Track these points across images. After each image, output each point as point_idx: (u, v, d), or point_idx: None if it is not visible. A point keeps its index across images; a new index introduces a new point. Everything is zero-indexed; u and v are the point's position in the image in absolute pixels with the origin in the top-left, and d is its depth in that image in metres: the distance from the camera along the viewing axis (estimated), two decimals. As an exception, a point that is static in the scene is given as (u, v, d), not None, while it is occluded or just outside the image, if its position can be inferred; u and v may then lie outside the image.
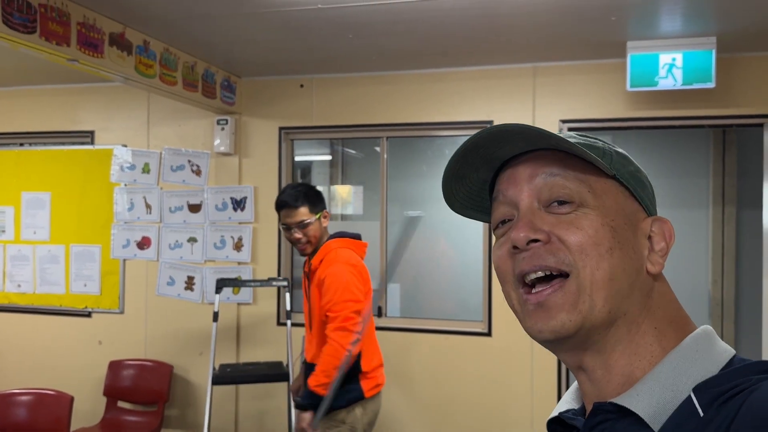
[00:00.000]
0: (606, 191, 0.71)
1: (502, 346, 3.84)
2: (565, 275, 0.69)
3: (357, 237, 2.93)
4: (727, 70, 3.54)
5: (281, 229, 2.90)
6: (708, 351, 0.68)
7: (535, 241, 0.70)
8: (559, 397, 3.79)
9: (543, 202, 0.71)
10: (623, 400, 0.66)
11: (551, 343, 0.71)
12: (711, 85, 3.36)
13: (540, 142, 0.71)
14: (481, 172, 0.78)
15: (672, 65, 3.40)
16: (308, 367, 2.81)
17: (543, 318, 0.69)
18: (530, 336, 0.72)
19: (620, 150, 0.75)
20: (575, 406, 0.77)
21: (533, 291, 0.70)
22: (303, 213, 2.79)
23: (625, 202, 0.72)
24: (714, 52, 3.33)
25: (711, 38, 3.33)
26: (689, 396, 0.64)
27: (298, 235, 2.80)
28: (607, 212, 0.69)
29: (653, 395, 0.65)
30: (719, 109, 3.62)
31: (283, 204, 2.82)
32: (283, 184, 4.24)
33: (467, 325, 3.96)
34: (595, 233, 0.68)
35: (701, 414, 0.62)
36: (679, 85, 3.41)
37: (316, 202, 2.85)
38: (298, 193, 2.83)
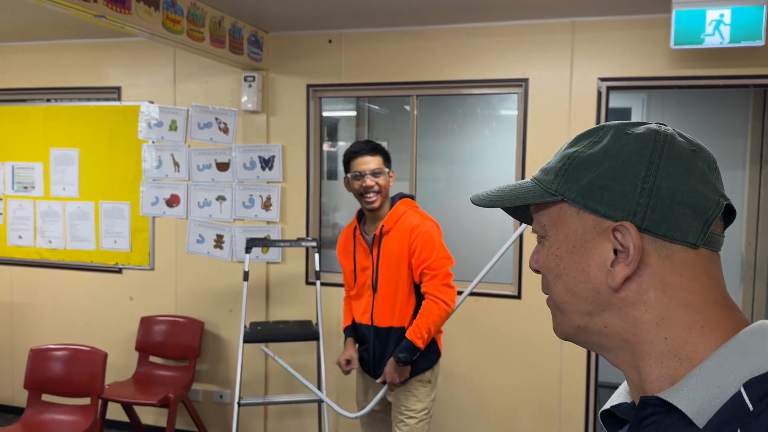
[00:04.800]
0: (559, 218, 0.75)
1: (532, 309, 3.82)
2: None
3: (413, 197, 2.95)
4: (776, 27, 3.37)
5: (349, 180, 2.82)
6: (760, 347, 0.66)
7: (537, 271, 0.82)
8: (588, 363, 3.79)
9: None
10: (668, 395, 0.66)
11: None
12: (760, 42, 3.20)
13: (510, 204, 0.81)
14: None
15: (720, 21, 3.25)
16: (379, 332, 2.82)
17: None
18: None
19: (586, 153, 0.73)
20: (628, 400, 0.78)
21: None
22: (378, 161, 2.79)
23: (578, 223, 0.73)
24: (765, 7, 3.16)
25: (763, -8, 3.16)
26: (739, 391, 0.63)
27: (370, 181, 2.75)
28: (553, 242, 0.76)
29: (698, 391, 0.65)
30: (766, 67, 3.47)
31: (357, 152, 2.80)
32: (312, 143, 4.19)
33: (497, 287, 3.94)
34: (545, 263, 0.78)
35: (751, 408, 0.62)
36: (726, 43, 3.26)
37: (387, 156, 2.87)
38: (372, 144, 2.85)
